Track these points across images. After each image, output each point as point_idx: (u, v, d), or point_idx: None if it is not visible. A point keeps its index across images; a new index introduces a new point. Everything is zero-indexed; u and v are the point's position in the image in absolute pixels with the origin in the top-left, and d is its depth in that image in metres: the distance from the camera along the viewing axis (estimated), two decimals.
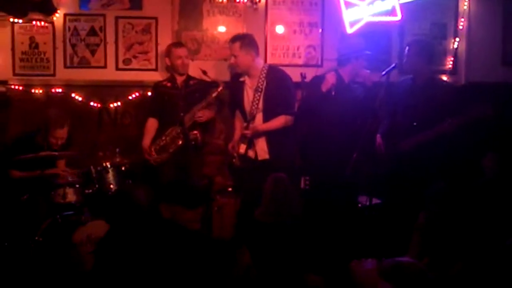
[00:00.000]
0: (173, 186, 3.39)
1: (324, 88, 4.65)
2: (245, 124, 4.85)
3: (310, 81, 4.89)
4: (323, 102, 4.64)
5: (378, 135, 4.82)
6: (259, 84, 4.86)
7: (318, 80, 4.77)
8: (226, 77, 5.39)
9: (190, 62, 5.28)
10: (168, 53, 5.24)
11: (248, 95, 4.94)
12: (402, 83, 4.86)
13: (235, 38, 4.93)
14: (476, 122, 4.46)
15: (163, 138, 5.08)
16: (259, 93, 4.85)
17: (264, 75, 4.87)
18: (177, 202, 3.20)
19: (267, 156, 4.86)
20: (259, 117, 4.87)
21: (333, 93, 4.61)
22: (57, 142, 4.84)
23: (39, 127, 4.90)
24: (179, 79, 5.21)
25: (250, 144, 4.88)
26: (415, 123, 4.61)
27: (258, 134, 4.83)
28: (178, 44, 5.31)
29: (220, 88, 5.06)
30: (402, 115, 4.70)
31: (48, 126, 4.82)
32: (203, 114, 5.06)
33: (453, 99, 4.68)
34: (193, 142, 4.97)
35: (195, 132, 4.98)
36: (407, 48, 4.82)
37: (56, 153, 4.83)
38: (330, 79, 4.64)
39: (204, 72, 5.00)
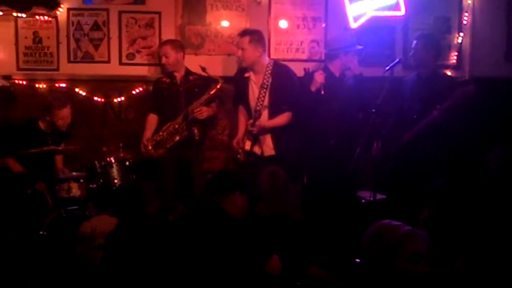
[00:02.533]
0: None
1: (313, 88, 4.66)
2: (251, 121, 4.83)
3: (302, 78, 4.90)
4: (316, 101, 4.65)
5: (376, 141, 4.81)
6: (265, 81, 4.85)
7: (309, 77, 4.77)
8: (230, 72, 5.38)
9: (179, 57, 5.15)
10: (158, 53, 5.27)
11: (254, 91, 4.93)
12: (408, 79, 4.86)
13: (245, 32, 4.91)
14: (463, 103, 4.47)
15: (160, 133, 5.06)
16: (264, 90, 4.84)
17: (269, 71, 4.86)
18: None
19: (273, 152, 4.86)
20: (265, 113, 4.86)
21: (322, 92, 4.62)
22: (63, 122, 4.89)
23: (42, 112, 4.94)
24: (178, 75, 5.18)
25: (255, 140, 4.88)
26: (415, 116, 4.63)
27: (264, 130, 4.84)
28: (163, 43, 5.29)
29: (219, 85, 5.03)
30: (408, 110, 4.70)
31: (50, 108, 4.86)
32: (201, 111, 5.03)
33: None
34: (196, 138, 4.99)
35: (193, 128, 4.97)
36: (414, 41, 4.80)
37: (60, 148, 4.86)
38: (319, 78, 4.64)
39: (203, 69, 4.97)
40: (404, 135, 4.67)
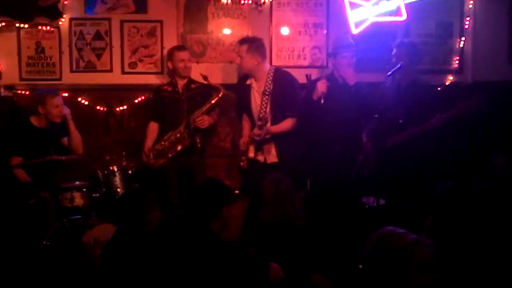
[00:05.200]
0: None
1: (315, 96, 4.67)
2: (259, 123, 4.81)
3: (305, 86, 4.90)
4: (317, 108, 4.65)
5: (364, 135, 4.80)
6: (266, 87, 4.86)
7: (311, 85, 4.78)
8: (232, 79, 5.41)
9: (192, 65, 5.25)
10: (170, 56, 5.23)
11: (256, 98, 4.95)
12: (388, 86, 4.88)
13: (244, 41, 4.94)
14: (468, 115, 4.46)
15: (162, 143, 5.08)
16: (266, 97, 4.85)
17: (271, 78, 4.88)
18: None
19: (276, 160, 4.87)
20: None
21: (322, 101, 4.61)
22: (58, 112, 4.87)
23: (33, 108, 4.91)
24: (180, 83, 5.19)
25: (259, 148, 4.88)
26: (401, 121, 4.64)
27: (268, 137, 4.83)
28: (180, 47, 5.30)
29: (220, 94, 5.04)
30: (390, 114, 4.69)
31: (43, 98, 4.85)
32: (203, 120, 5.04)
33: (435, 98, 4.77)
34: (199, 146, 4.99)
35: (195, 137, 4.97)
36: (394, 50, 4.87)
37: (63, 157, 4.85)
38: (320, 87, 4.64)
39: (205, 78, 4.98)
40: (388, 140, 4.68)
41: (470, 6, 5.50)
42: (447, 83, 5.52)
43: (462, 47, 5.53)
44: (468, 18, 5.51)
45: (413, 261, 2.35)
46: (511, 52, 5.51)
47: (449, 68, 5.55)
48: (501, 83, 5.43)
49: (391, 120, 4.68)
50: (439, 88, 5.40)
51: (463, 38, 5.53)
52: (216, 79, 5.21)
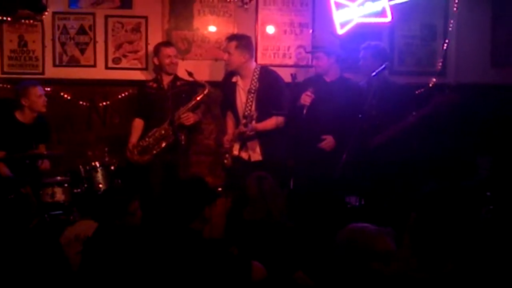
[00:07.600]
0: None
1: (298, 103, 4.67)
2: (244, 121, 4.80)
3: (290, 85, 4.90)
4: (300, 113, 4.67)
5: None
6: (252, 86, 4.86)
7: (296, 87, 4.79)
8: (217, 77, 5.38)
9: (178, 62, 5.24)
10: (156, 52, 5.19)
11: (241, 96, 4.94)
12: (362, 82, 4.90)
13: (233, 37, 4.94)
14: (444, 110, 4.54)
15: (146, 139, 5.05)
16: (252, 95, 4.84)
17: (256, 76, 4.87)
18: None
19: (260, 158, 4.87)
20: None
21: (304, 111, 4.61)
22: (43, 101, 4.88)
23: (16, 102, 4.89)
24: (166, 80, 5.16)
25: (243, 146, 4.87)
26: (377, 122, 4.64)
27: (252, 135, 4.82)
28: (167, 43, 5.28)
29: (205, 91, 5.03)
30: (367, 118, 4.71)
31: (25, 89, 4.84)
32: (188, 116, 5.03)
33: (409, 99, 4.79)
34: (183, 143, 4.97)
35: (180, 134, 4.96)
36: (362, 52, 4.89)
37: (44, 152, 4.82)
38: (304, 100, 4.64)
39: (190, 74, 4.94)
40: (372, 138, 4.69)
41: (455, 8, 5.54)
42: (430, 85, 5.55)
43: (446, 49, 5.57)
44: (452, 21, 5.55)
45: (377, 251, 2.40)
46: (494, 54, 5.57)
47: (432, 70, 5.58)
48: (484, 86, 5.48)
49: (368, 121, 4.70)
50: (418, 91, 5.41)
51: (447, 40, 5.57)
52: (201, 76, 5.18)
